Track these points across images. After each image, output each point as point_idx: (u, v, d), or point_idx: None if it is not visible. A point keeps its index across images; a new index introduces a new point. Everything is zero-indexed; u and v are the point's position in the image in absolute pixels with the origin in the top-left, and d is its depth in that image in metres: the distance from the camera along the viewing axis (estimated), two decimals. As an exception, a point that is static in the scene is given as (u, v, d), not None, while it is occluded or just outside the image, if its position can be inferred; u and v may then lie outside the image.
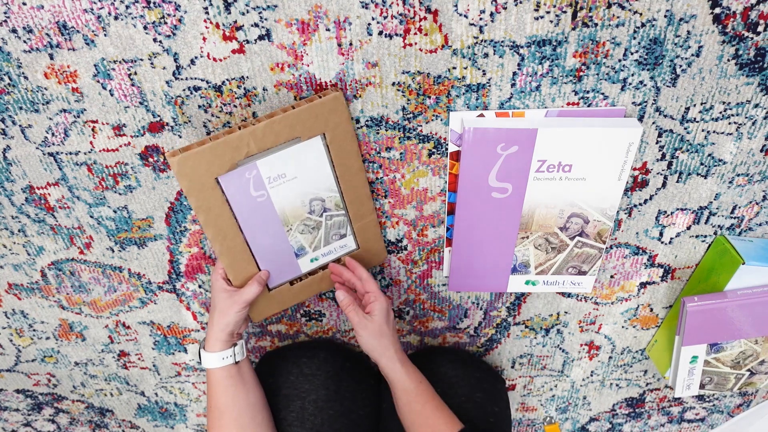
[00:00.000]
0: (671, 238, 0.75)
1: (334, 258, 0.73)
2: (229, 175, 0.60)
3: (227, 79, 0.60)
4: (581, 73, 0.60)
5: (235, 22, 0.55)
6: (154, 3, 0.54)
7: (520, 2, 0.54)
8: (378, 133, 0.64)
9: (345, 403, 0.76)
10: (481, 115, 0.63)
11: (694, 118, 0.63)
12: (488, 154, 0.63)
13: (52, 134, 0.64)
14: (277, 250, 0.69)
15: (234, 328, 0.67)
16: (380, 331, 0.67)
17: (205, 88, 0.60)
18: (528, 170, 0.64)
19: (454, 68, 0.59)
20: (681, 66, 0.59)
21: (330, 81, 0.60)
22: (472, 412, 0.75)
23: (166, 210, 0.71)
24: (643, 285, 0.81)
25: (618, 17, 0.55)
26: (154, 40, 0.57)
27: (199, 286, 0.80)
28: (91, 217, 0.72)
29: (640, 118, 0.63)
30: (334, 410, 0.75)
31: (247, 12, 0.55)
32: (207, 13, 0.55)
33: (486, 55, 0.58)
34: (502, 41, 0.57)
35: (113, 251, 0.76)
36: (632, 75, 0.60)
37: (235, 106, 0.62)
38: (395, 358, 0.68)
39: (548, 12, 0.55)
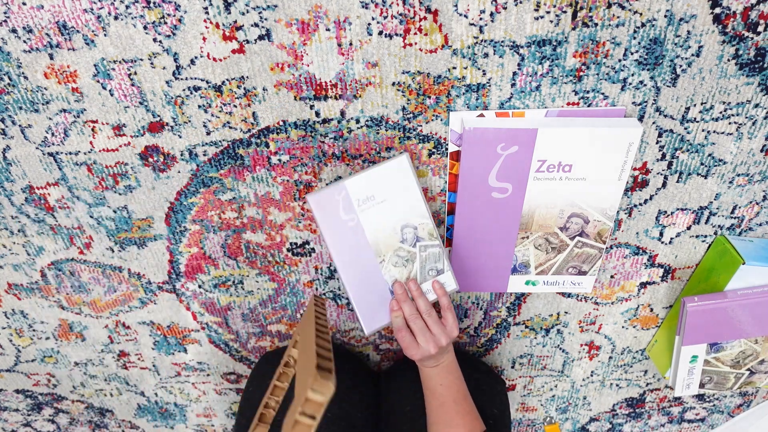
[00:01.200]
0: (671, 238, 0.75)
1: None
2: (318, 194, 0.59)
3: (227, 79, 0.60)
4: (581, 73, 0.60)
5: (235, 22, 0.55)
6: (154, 3, 0.54)
7: (520, 2, 0.54)
8: (378, 133, 0.64)
9: (343, 406, 0.76)
10: (481, 115, 0.63)
11: (694, 118, 0.63)
12: (488, 154, 0.63)
13: (52, 134, 0.64)
14: (371, 286, 0.64)
15: None
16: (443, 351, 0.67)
17: (205, 88, 0.60)
18: (528, 170, 0.64)
19: (454, 68, 0.59)
20: (681, 66, 0.59)
21: (330, 81, 0.60)
22: None
23: (166, 210, 0.71)
24: (643, 285, 0.81)
25: (618, 17, 0.55)
26: (154, 40, 0.57)
27: (199, 287, 0.80)
28: (91, 217, 0.72)
29: (640, 118, 0.63)
30: (333, 413, 0.75)
31: (247, 12, 0.55)
32: (207, 13, 0.55)
33: (486, 55, 0.58)
34: (502, 41, 0.57)
35: (113, 251, 0.76)
36: (632, 75, 0.60)
37: (235, 106, 0.62)
38: (440, 362, 0.68)
39: (548, 12, 0.55)
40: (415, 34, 0.56)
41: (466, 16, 0.55)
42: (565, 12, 0.55)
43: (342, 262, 0.63)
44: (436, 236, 0.65)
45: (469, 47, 0.57)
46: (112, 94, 0.60)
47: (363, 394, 0.81)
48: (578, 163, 0.63)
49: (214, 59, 0.58)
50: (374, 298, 0.65)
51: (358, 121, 0.63)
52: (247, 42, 0.57)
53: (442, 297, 0.68)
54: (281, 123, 0.63)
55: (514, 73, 0.59)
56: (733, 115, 0.63)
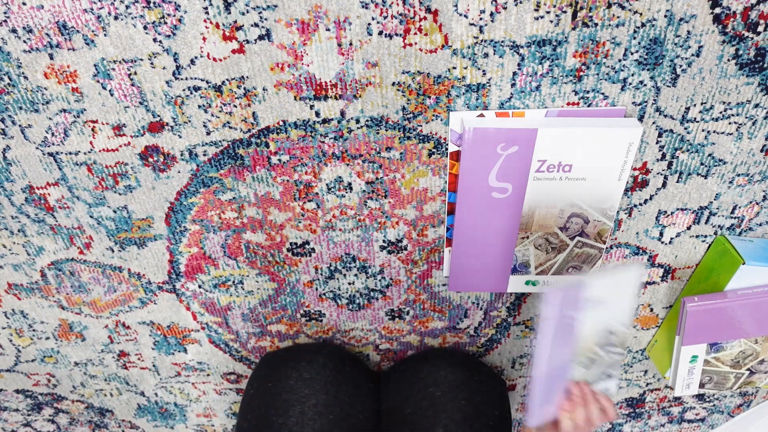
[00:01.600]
0: (671, 238, 0.75)
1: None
2: (560, 292, 0.56)
3: (227, 79, 0.60)
4: (581, 73, 0.60)
5: (235, 22, 0.55)
6: (154, 3, 0.54)
7: (520, 2, 0.54)
8: (378, 133, 0.64)
9: (344, 407, 0.76)
10: (481, 115, 0.63)
11: (694, 118, 0.63)
12: (488, 154, 0.63)
13: (52, 134, 0.64)
14: (556, 383, 0.62)
15: None
16: None
17: (205, 88, 0.60)
18: (528, 170, 0.64)
19: (454, 68, 0.59)
20: (681, 66, 0.59)
21: (330, 81, 0.60)
22: (472, 416, 0.75)
23: (166, 210, 0.71)
24: (643, 285, 0.81)
25: (618, 17, 0.55)
26: (154, 40, 0.57)
27: (199, 286, 0.80)
28: (91, 217, 0.72)
29: (640, 118, 0.63)
30: (334, 414, 0.75)
31: (247, 12, 0.55)
32: (207, 13, 0.55)
33: (486, 55, 0.58)
34: (502, 41, 0.57)
35: (113, 251, 0.76)
36: (632, 75, 0.60)
37: (235, 106, 0.62)
38: None
39: (548, 12, 0.55)
40: (415, 34, 0.56)
41: (466, 16, 0.55)
42: (565, 12, 0.55)
43: (543, 356, 0.59)
44: (626, 346, 0.63)
45: (469, 47, 0.57)
46: (112, 94, 0.60)
47: (364, 396, 0.81)
48: (578, 163, 0.63)
49: (214, 59, 0.58)
50: (552, 395, 0.63)
51: (358, 121, 0.63)
52: (247, 42, 0.57)
53: (609, 410, 0.65)
54: (281, 123, 0.63)
55: (514, 73, 0.59)
56: (733, 115, 0.63)
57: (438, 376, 0.79)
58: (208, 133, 0.64)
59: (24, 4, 0.54)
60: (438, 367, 0.81)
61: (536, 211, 0.68)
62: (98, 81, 0.59)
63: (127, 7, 0.54)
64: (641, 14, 0.55)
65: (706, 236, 0.75)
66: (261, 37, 0.57)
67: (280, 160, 0.66)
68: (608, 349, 0.63)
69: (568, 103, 0.62)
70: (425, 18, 0.55)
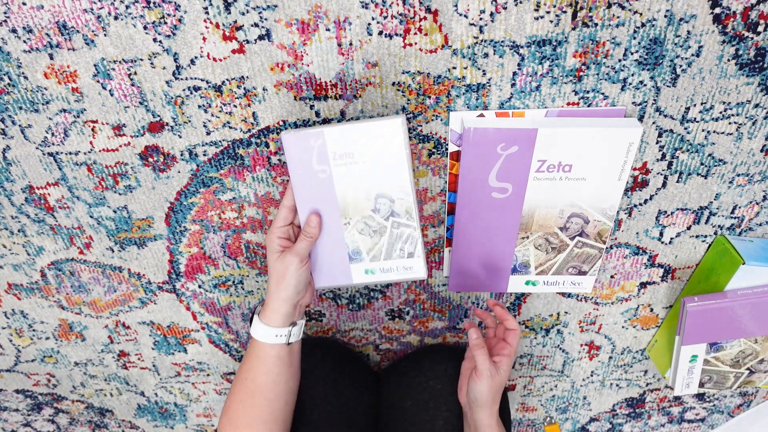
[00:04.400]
0: (671, 238, 0.75)
1: (394, 279, 0.64)
2: (294, 134, 0.56)
3: (227, 79, 0.60)
4: (581, 73, 0.60)
5: (235, 22, 0.55)
6: (154, 3, 0.54)
7: (520, 2, 0.54)
8: (378, 133, 0.64)
9: (342, 400, 0.76)
10: (481, 115, 0.63)
11: (694, 118, 0.63)
12: (488, 154, 0.63)
13: (52, 134, 0.64)
14: (330, 244, 0.62)
15: (296, 296, 0.60)
16: (500, 386, 0.64)
17: (205, 88, 0.60)
18: (528, 170, 0.64)
19: (454, 68, 0.59)
20: (681, 66, 0.59)
21: (330, 81, 0.60)
22: None
23: (166, 210, 0.71)
24: (643, 285, 0.81)
25: (618, 17, 0.55)
26: (154, 40, 0.57)
27: (199, 286, 0.80)
28: (91, 217, 0.72)
29: (640, 118, 0.63)
30: (332, 406, 0.75)
31: (247, 12, 0.55)
32: (207, 13, 0.55)
33: (486, 55, 0.58)
34: (502, 41, 0.57)
35: (113, 251, 0.76)
36: (632, 75, 0.60)
37: (235, 106, 0.62)
38: (496, 413, 0.66)
39: (548, 12, 0.55)
40: (415, 34, 0.56)
41: (466, 16, 0.55)
42: (565, 12, 0.55)
43: (303, 211, 0.60)
44: (413, 217, 0.61)
45: (469, 47, 0.57)
46: (112, 94, 0.60)
47: (363, 394, 0.81)
48: (578, 163, 0.63)
49: (214, 59, 0.58)
50: (331, 257, 0.63)
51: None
52: (247, 42, 0.57)
53: (507, 319, 0.67)
54: (281, 123, 0.63)
55: (514, 73, 0.59)
56: (733, 115, 0.63)
57: (438, 370, 0.79)
58: (208, 133, 0.64)
59: (24, 4, 0.54)
60: (438, 361, 0.81)
61: (536, 211, 0.68)
62: (98, 81, 0.59)
63: (127, 7, 0.54)
64: (641, 14, 0.55)
65: (706, 236, 0.75)
66: (261, 37, 0.57)
67: (280, 160, 0.66)
68: (393, 219, 0.60)
69: (568, 103, 0.62)
70: (425, 18, 0.55)
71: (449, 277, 0.77)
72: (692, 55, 0.58)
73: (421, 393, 0.77)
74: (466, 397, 0.68)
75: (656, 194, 0.70)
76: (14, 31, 0.56)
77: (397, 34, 0.57)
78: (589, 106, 0.62)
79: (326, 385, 0.76)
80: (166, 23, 0.55)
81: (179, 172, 0.67)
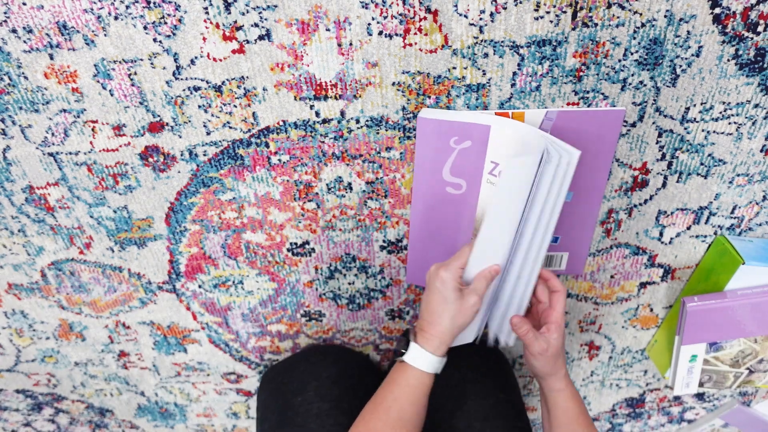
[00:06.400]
0: (671, 238, 0.75)
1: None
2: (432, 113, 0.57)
3: (227, 79, 0.60)
4: (581, 73, 0.60)
5: (235, 22, 0.55)
6: (154, 3, 0.54)
7: (520, 2, 0.54)
8: (378, 133, 0.64)
9: (342, 404, 0.76)
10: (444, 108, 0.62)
11: (694, 118, 0.63)
12: (441, 146, 0.61)
13: (52, 134, 0.64)
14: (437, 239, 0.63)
15: (462, 328, 0.60)
16: (555, 354, 0.63)
17: (205, 88, 0.60)
18: (482, 169, 0.63)
19: (454, 68, 0.59)
20: (681, 66, 0.59)
21: (330, 81, 0.60)
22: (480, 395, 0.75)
23: (166, 210, 0.71)
24: (643, 285, 0.82)
25: (618, 17, 0.55)
26: (154, 40, 0.57)
27: (199, 286, 0.80)
28: (91, 217, 0.72)
29: (641, 118, 0.63)
30: (336, 414, 0.75)
31: (247, 12, 0.55)
32: (207, 13, 0.55)
33: (486, 55, 0.58)
34: (502, 41, 0.57)
35: (113, 251, 0.76)
36: (632, 75, 0.60)
37: (235, 106, 0.62)
38: (563, 377, 0.65)
39: (548, 12, 0.55)
40: (415, 34, 0.56)
41: (466, 16, 0.55)
42: (565, 12, 0.55)
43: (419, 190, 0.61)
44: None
45: (469, 47, 0.58)
46: (112, 94, 0.60)
47: (367, 393, 0.81)
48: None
49: (214, 59, 0.58)
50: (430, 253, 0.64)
51: (358, 121, 0.63)
52: (247, 42, 0.57)
53: (551, 279, 0.66)
54: (281, 123, 0.63)
55: (514, 73, 0.59)
56: (733, 115, 0.63)
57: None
58: (208, 133, 0.64)
59: (24, 4, 0.54)
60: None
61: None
62: (98, 81, 0.59)
63: (127, 7, 0.54)
64: (641, 14, 0.55)
65: (706, 236, 0.75)
66: (261, 37, 0.57)
67: (280, 160, 0.66)
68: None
69: (568, 103, 0.62)
70: (425, 18, 0.55)
71: (407, 269, 0.77)
72: (692, 55, 0.58)
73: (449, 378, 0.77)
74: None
75: (656, 194, 0.70)
76: (14, 31, 0.56)
77: (397, 34, 0.57)
78: (589, 106, 0.62)
79: (338, 366, 0.75)
80: (166, 23, 0.55)
81: (179, 172, 0.67)
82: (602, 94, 0.61)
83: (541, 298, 0.66)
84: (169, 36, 0.56)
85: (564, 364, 0.65)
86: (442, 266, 0.60)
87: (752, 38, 0.57)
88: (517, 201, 0.57)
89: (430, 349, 0.59)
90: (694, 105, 0.62)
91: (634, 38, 0.57)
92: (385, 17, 0.55)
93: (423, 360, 0.59)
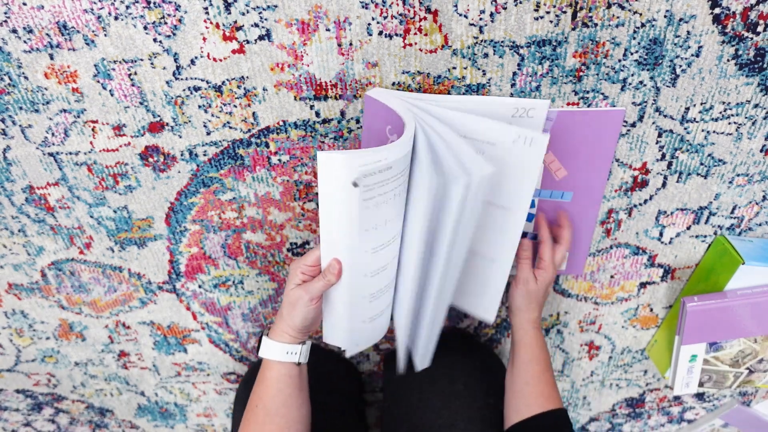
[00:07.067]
0: (671, 238, 0.75)
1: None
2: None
3: (227, 79, 0.60)
4: (581, 73, 0.60)
5: (235, 22, 0.55)
6: (154, 3, 0.54)
7: (520, 2, 0.54)
8: (378, 133, 0.64)
9: (326, 413, 0.76)
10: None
11: (694, 118, 0.63)
12: (380, 134, 0.58)
13: (52, 134, 0.64)
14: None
15: (302, 326, 0.59)
16: (535, 295, 0.68)
17: (205, 88, 0.60)
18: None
19: (454, 68, 0.59)
20: (681, 66, 0.59)
21: (330, 81, 0.60)
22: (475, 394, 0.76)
23: (166, 210, 0.71)
24: (643, 285, 0.82)
25: (618, 17, 0.55)
26: (154, 40, 0.57)
27: (199, 286, 0.80)
28: (91, 217, 0.72)
29: (641, 118, 0.63)
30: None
31: (247, 12, 0.55)
32: (207, 13, 0.55)
33: (486, 55, 0.58)
34: (502, 41, 0.57)
35: (113, 251, 0.76)
36: (632, 75, 0.60)
37: (235, 106, 0.62)
38: (533, 321, 0.69)
39: (548, 12, 0.55)
40: (415, 34, 0.56)
41: (466, 16, 0.55)
42: (565, 12, 0.55)
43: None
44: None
45: (469, 47, 0.58)
46: (112, 94, 0.60)
47: (347, 399, 0.82)
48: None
49: (214, 59, 0.58)
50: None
51: (358, 121, 0.63)
52: (247, 42, 0.57)
53: (566, 226, 0.70)
54: (281, 123, 0.63)
55: (514, 73, 0.59)
56: (732, 115, 0.63)
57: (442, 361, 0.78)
58: (208, 133, 0.64)
59: (24, 4, 0.54)
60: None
61: None
62: (98, 81, 0.59)
63: (127, 7, 0.54)
64: (641, 14, 0.55)
65: (705, 236, 0.75)
66: (261, 37, 0.57)
67: (280, 160, 0.67)
68: None
69: (568, 103, 0.62)
70: (425, 18, 0.55)
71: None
72: (692, 55, 0.58)
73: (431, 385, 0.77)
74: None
75: (656, 194, 0.70)
76: (14, 31, 0.56)
77: (397, 34, 0.57)
78: (589, 106, 0.62)
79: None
80: (166, 23, 0.55)
81: (179, 172, 0.67)
82: (602, 94, 0.61)
83: (544, 237, 0.69)
84: (169, 36, 0.56)
85: (538, 311, 0.70)
86: (295, 261, 0.61)
87: (752, 38, 0.57)
88: (347, 200, 0.50)
89: (275, 338, 0.60)
90: (694, 105, 0.62)
91: (634, 38, 0.57)
92: (385, 17, 0.55)
93: (269, 349, 0.60)
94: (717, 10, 0.55)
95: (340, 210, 0.50)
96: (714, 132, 0.64)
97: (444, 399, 0.75)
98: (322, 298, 0.59)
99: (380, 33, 0.56)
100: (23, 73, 0.59)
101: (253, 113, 0.62)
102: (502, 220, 0.61)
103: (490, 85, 0.60)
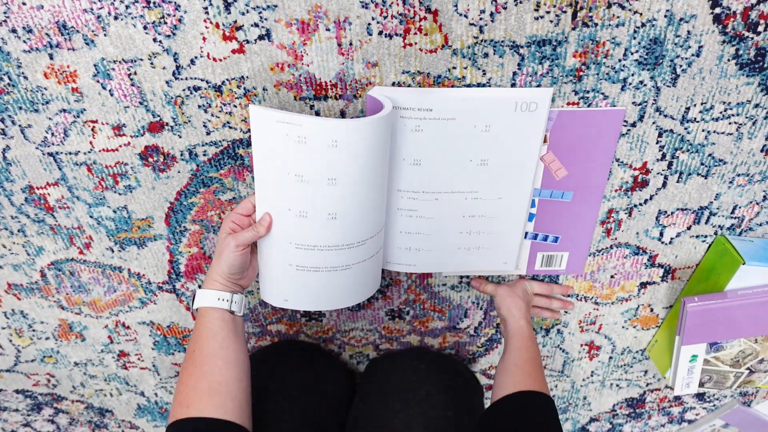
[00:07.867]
0: (671, 238, 0.75)
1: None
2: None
3: (227, 79, 0.60)
4: (581, 73, 0.60)
5: (235, 22, 0.55)
6: (154, 3, 0.54)
7: (520, 2, 0.54)
8: (378, 133, 0.64)
9: (311, 409, 0.77)
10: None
11: (694, 118, 0.63)
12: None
13: (52, 134, 0.64)
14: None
15: (230, 271, 0.61)
16: (513, 294, 0.75)
17: (205, 88, 0.60)
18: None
19: (454, 68, 0.59)
20: (681, 66, 0.59)
21: (330, 81, 0.60)
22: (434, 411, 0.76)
23: (165, 210, 0.71)
24: (643, 285, 0.82)
25: (618, 17, 0.55)
26: (154, 40, 0.57)
27: (199, 287, 0.80)
28: (91, 217, 0.72)
29: (641, 118, 0.63)
30: (300, 415, 0.75)
31: (247, 12, 0.55)
32: (207, 13, 0.55)
33: (486, 55, 0.58)
34: (502, 41, 0.57)
35: (113, 251, 0.76)
36: (632, 75, 0.60)
37: (235, 106, 0.62)
38: (522, 315, 0.73)
39: (548, 12, 0.55)
40: (415, 34, 0.56)
41: (466, 16, 0.55)
42: (565, 12, 0.55)
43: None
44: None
45: (469, 47, 0.57)
46: (112, 94, 0.60)
47: (335, 399, 0.82)
48: None
49: (214, 59, 0.58)
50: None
51: (358, 121, 0.63)
52: (247, 42, 0.57)
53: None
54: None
55: (514, 73, 0.59)
56: (733, 115, 0.63)
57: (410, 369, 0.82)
58: (208, 133, 0.64)
59: (24, 4, 0.54)
60: (415, 367, 0.83)
61: None
62: (98, 81, 0.59)
63: (127, 7, 0.54)
64: (641, 14, 0.55)
65: (706, 236, 0.75)
66: (261, 37, 0.57)
67: (280, 160, 0.66)
68: None
69: (568, 103, 0.62)
70: (425, 18, 0.55)
71: None
72: (692, 55, 0.58)
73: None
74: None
75: (656, 194, 0.70)
76: (14, 31, 0.56)
77: (397, 34, 0.57)
78: (589, 106, 0.62)
79: (293, 394, 0.75)
80: (166, 23, 0.55)
81: (179, 172, 0.67)
82: (602, 93, 0.61)
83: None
84: (169, 36, 0.56)
85: (522, 307, 0.75)
86: (228, 212, 0.63)
87: (752, 38, 0.57)
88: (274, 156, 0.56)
89: (206, 287, 0.62)
90: (695, 105, 0.62)
91: (634, 38, 0.57)
92: (385, 17, 0.55)
93: (201, 297, 0.62)
94: (717, 10, 0.55)
95: (271, 149, 0.55)
96: (714, 132, 0.64)
97: (405, 403, 0.77)
98: (257, 253, 0.63)
99: (380, 33, 0.56)
100: (23, 73, 0.59)
101: (253, 113, 0.62)
102: (514, 175, 0.66)
103: (490, 85, 0.60)
